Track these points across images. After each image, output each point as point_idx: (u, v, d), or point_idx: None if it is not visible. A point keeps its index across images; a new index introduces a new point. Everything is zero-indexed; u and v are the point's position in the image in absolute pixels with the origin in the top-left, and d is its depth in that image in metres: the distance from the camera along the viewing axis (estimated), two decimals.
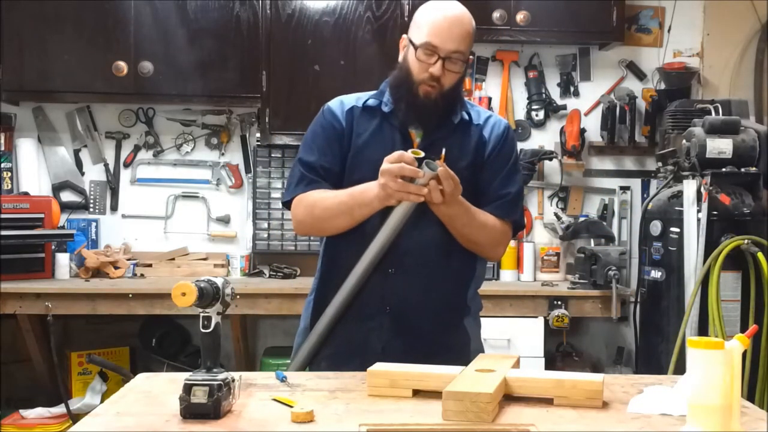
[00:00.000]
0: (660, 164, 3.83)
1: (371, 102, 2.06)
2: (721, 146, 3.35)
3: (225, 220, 4.16)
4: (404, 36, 2.02)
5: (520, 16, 3.82)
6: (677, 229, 3.37)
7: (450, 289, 2.04)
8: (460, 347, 2.05)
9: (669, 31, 4.18)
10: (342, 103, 2.08)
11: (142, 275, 3.92)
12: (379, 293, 2.00)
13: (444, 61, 1.93)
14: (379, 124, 2.03)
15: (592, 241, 3.91)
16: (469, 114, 2.06)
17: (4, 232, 3.57)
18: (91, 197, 4.12)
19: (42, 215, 3.76)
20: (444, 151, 1.85)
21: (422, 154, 1.84)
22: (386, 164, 1.82)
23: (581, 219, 4.05)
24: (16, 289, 3.47)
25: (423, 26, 1.95)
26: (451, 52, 1.93)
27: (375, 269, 1.97)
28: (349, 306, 2.01)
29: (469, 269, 2.08)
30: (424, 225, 1.96)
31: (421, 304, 2.01)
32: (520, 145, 4.00)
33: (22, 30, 3.73)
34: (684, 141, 3.45)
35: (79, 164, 4.12)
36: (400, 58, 2.02)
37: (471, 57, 2.02)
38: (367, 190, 1.90)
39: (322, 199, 1.98)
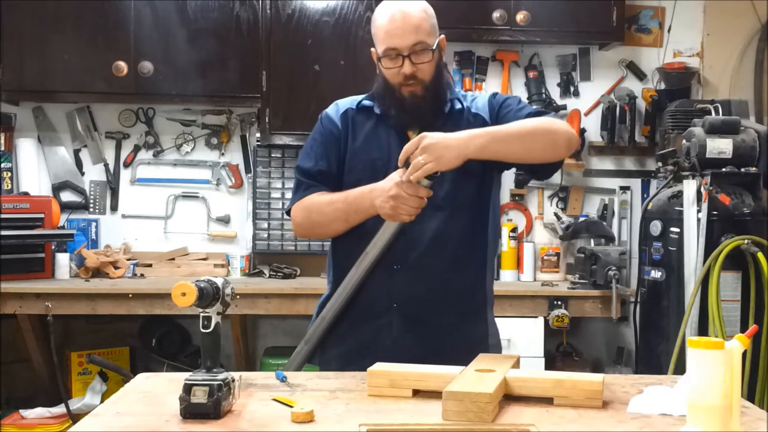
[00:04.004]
0: (660, 164, 3.83)
1: (366, 102, 2.08)
2: (721, 146, 3.35)
3: (225, 220, 4.16)
4: (372, 49, 2.03)
5: (520, 16, 3.82)
6: (677, 229, 3.37)
7: (457, 281, 2.02)
8: (477, 340, 2.02)
9: (669, 31, 4.18)
10: (337, 107, 2.11)
11: (142, 275, 3.92)
12: (385, 290, 2.00)
13: (410, 57, 1.93)
14: (374, 126, 2.05)
15: (592, 241, 3.91)
16: (459, 100, 2.07)
17: (4, 232, 3.57)
18: (91, 197, 4.12)
19: (42, 215, 3.76)
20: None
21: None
22: (397, 188, 1.81)
23: (581, 219, 4.05)
24: (16, 289, 3.47)
25: (378, 34, 1.97)
26: (412, 47, 1.93)
27: (380, 266, 1.97)
28: (355, 305, 2.01)
29: (477, 260, 2.05)
30: (427, 219, 1.96)
31: (429, 299, 2.00)
32: None
33: (22, 30, 3.73)
34: (684, 141, 3.45)
35: (79, 164, 4.12)
36: (377, 70, 2.04)
37: (441, 36, 2.00)
38: (363, 198, 1.90)
39: (318, 203, 2.00)
